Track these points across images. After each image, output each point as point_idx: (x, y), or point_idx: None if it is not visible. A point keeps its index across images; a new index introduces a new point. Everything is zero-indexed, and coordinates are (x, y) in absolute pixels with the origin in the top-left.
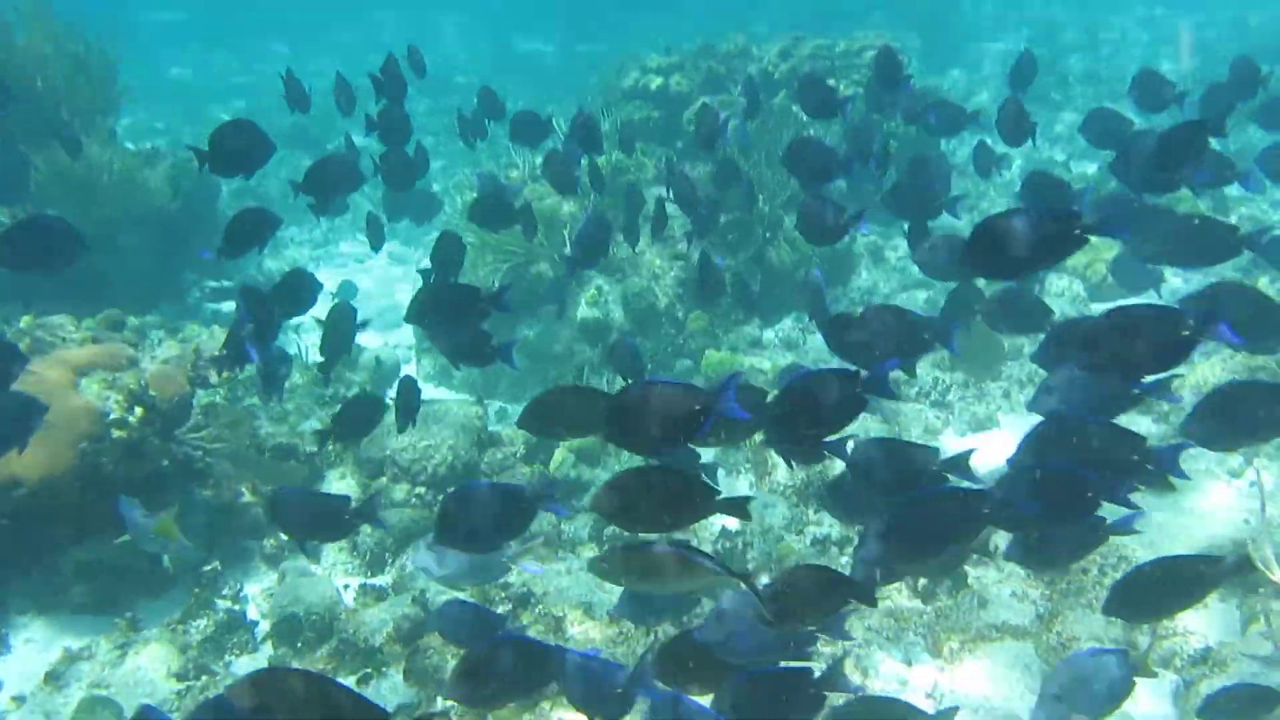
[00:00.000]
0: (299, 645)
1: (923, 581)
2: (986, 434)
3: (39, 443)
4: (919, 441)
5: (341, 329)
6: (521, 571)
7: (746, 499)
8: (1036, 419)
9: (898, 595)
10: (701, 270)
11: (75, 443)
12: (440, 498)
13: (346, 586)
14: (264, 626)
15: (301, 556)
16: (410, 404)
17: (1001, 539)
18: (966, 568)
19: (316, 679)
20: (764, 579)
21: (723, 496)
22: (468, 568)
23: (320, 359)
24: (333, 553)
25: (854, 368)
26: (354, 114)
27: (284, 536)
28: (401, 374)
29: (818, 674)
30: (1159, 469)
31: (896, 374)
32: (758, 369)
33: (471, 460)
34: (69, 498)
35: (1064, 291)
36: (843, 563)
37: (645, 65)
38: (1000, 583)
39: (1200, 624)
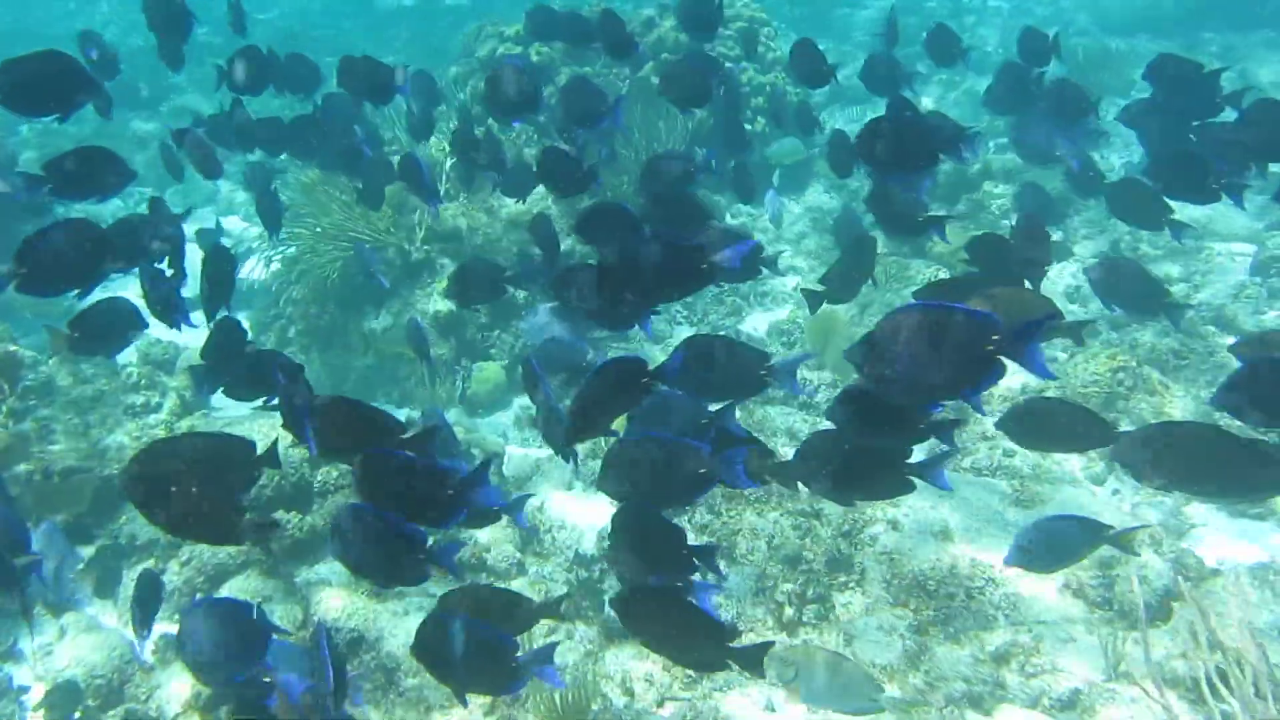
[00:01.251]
0: (76, 717)
1: (788, 612)
2: None
3: None
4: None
5: (222, 269)
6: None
7: None
8: None
9: (762, 628)
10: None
11: None
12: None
13: (145, 637)
14: (36, 693)
15: (89, 606)
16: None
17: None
18: (833, 593)
19: None
20: None
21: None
22: None
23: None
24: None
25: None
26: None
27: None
28: None
29: None
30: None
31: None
32: None
33: (302, 480)
34: None
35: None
36: None
37: (503, 33)
38: (869, 612)
39: (1068, 660)
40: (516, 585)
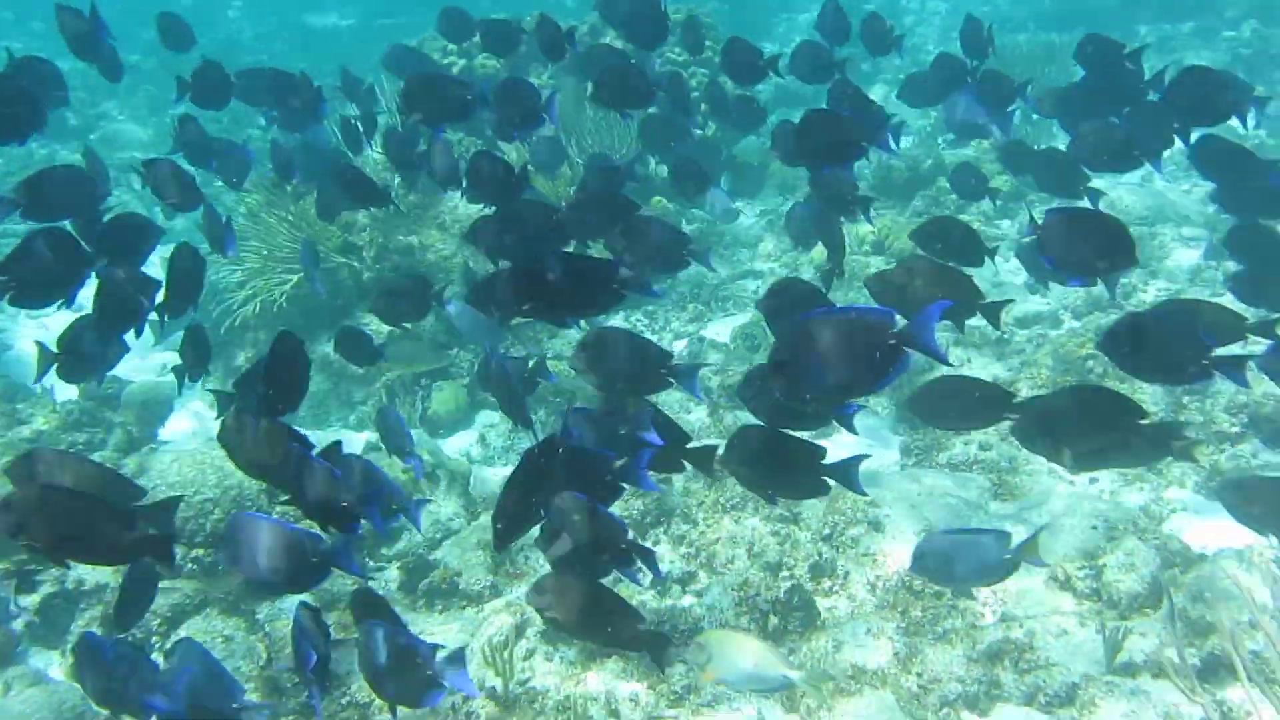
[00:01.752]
0: None
1: (773, 621)
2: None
3: None
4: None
5: (190, 269)
6: None
7: None
8: None
9: None
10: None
11: None
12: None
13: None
14: None
15: (32, 656)
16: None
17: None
18: (817, 599)
19: None
20: None
21: None
22: None
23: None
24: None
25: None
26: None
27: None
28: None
29: None
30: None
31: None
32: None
33: (260, 511)
34: None
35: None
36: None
37: (446, 47)
38: (853, 617)
39: (1063, 654)
40: (490, 609)
